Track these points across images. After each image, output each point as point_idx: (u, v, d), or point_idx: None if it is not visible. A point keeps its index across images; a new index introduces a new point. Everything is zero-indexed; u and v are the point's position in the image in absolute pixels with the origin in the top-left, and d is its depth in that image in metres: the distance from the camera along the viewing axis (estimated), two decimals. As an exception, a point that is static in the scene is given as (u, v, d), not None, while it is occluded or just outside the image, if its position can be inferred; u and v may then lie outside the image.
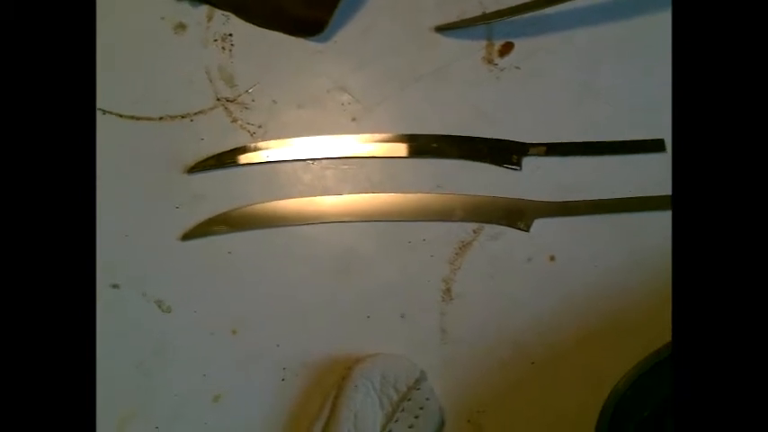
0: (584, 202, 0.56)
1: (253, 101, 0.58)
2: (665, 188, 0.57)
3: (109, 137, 0.56)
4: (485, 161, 0.57)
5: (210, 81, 0.58)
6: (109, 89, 0.57)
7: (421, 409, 0.51)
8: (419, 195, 0.56)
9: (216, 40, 0.59)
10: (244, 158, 0.57)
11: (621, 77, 0.59)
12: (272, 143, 0.57)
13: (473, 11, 0.61)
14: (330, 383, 0.53)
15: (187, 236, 0.55)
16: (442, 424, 0.53)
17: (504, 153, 0.57)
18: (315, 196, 0.56)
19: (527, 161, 0.57)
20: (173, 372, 0.53)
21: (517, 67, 0.59)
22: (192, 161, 0.56)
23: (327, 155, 0.57)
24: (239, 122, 0.57)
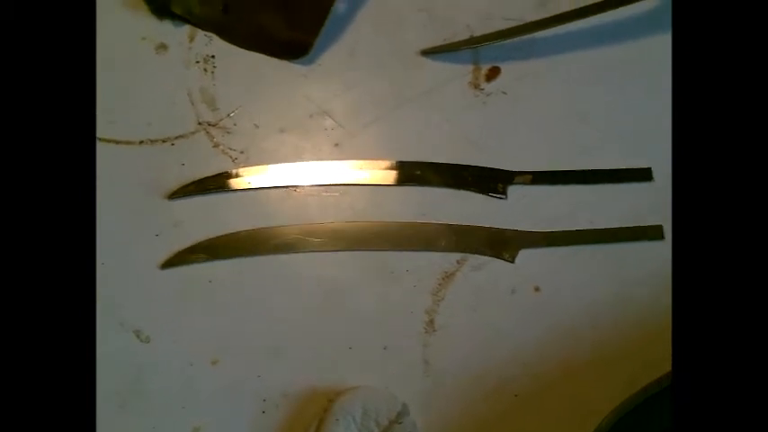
0: (570, 232, 0.56)
1: (235, 125, 0.57)
2: (652, 218, 0.56)
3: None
4: (470, 189, 0.56)
5: (192, 104, 0.57)
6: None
7: (403, 443, 0.51)
8: (402, 224, 0.56)
9: (198, 62, 0.59)
10: (225, 184, 0.56)
11: (609, 104, 0.59)
12: (253, 169, 0.56)
13: (460, 35, 0.60)
14: (311, 416, 0.52)
15: (167, 264, 0.54)
16: (424, 458, 0.52)
17: (490, 181, 0.56)
18: (297, 224, 0.55)
19: (513, 189, 0.56)
20: (151, 403, 0.53)
21: (504, 93, 0.59)
22: (172, 186, 0.55)
23: (310, 182, 0.56)
24: (221, 147, 0.57)
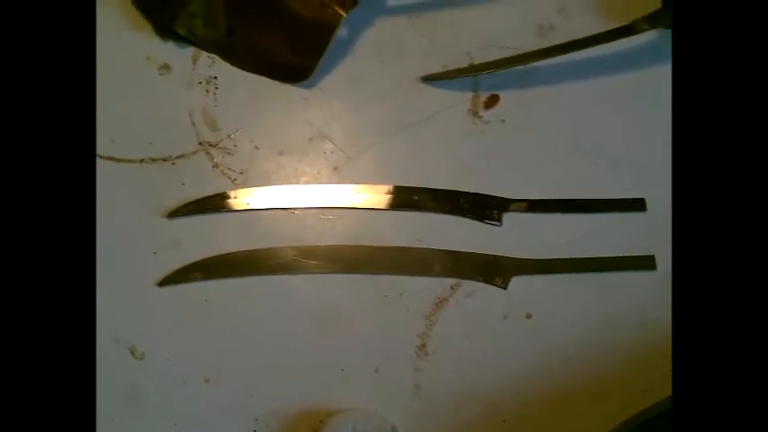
0: (564, 260, 0.56)
1: (235, 146, 0.58)
2: (646, 248, 0.57)
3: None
4: (465, 216, 0.57)
5: (193, 124, 0.58)
6: (91, 129, 0.56)
7: (391, 465, 0.51)
8: (397, 248, 0.56)
9: (200, 83, 0.59)
10: (224, 205, 0.56)
11: (605, 134, 0.59)
12: (252, 190, 0.57)
13: (460, 62, 0.61)
14: (302, 436, 0.53)
15: (164, 282, 0.55)
16: (412, 481, 0.52)
17: (485, 208, 0.57)
18: (294, 246, 0.56)
19: (508, 217, 0.57)
20: (144, 419, 0.53)
21: (502, 120, 0.60)
22: (172, 205, 0.56)
23: (308, 204, 0.57)
24: (221, 168, 0.57)
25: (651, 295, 0.56)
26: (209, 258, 0.55)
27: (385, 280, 0.56)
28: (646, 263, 0.57)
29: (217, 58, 0.60)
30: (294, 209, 0.57)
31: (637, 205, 0.58)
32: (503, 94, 0.60)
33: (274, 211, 0.57)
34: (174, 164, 0.57)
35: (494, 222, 0.57)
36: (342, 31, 0.60)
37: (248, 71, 0.60)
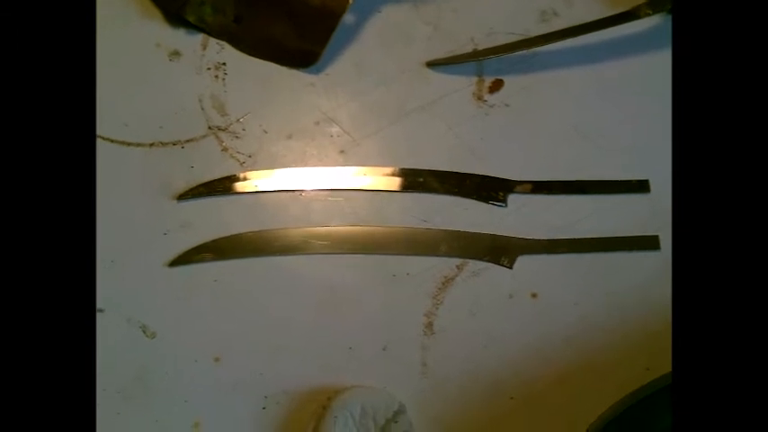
0: (569, 240, 0.57)
1: (243, 130, 0.59)
2: (649, 228, 0.58)
3: (100, 161, 0.56)
4: (471, 197, 0.58)
5: (203, 109, 0.59)
6: (102, 113, 0.57)
7: (399, 441, 0.52)
8: (404, 229, 0.57)
9: (209, 69, 0.60)
10: (233, 187, 0.57)
11: (608, 117, 0.60)
12: (260, 173, 0.58)
13: (464, 47, 0.62)
14: (310, 413, 0.54)
15: (174, 263, 0.56)
16: (419, 457, 0.53)
17: (490, 190, 0.58)
18: (301, 227, 0.57)
19: (513, 198, 0.58)
20: (154, 397, 0.54)
21: (506, 105, 0.60)
22: (181, 188, 0.57)
23: (315, 186, 0.58)
24: (229, 151, 0.58)
25: (655, 275, 0.57)
26: (219, 239, 0.56)
27: (392, 260, 0.57)
28: (650, 243, 0.58)
29: (226, 44, 0.61)
30: (302, 191, 0.58)
31: (640, 186, 0.59)
32: (507, 79, 0.61)
33: (282, 193, 0.58)
34: (183, 147, 0.58)
35: (499, 203, 0.58)
36: (348, 18, 0.61)
37: (256, 57, 0.61)
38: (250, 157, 0.58)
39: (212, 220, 0.57)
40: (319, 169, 0.58)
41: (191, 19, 0.60)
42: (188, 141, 0.58)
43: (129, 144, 0.58)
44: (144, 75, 0.60)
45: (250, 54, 0.61)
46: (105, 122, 0.58)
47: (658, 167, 0.59)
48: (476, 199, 0.58)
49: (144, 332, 0.55)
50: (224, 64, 0.60)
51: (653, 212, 0.58)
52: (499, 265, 0.56)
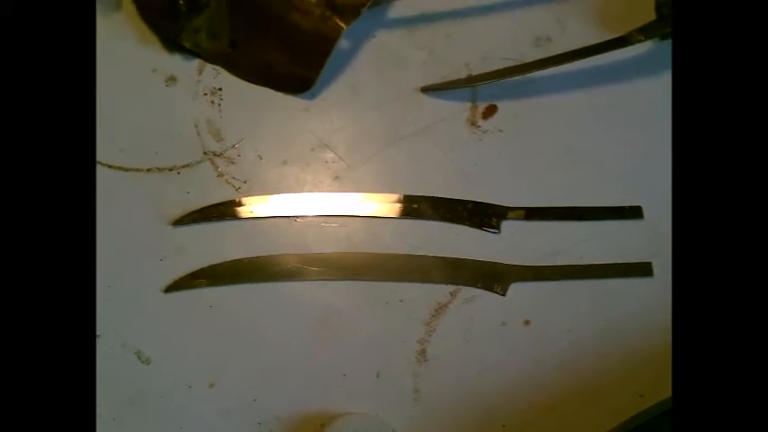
0: (562, 267, 0.57)
1: (239, 155, 0.59)
2: (642, 255, 0.58)
3: (97, 186, 0.56)
4: (464, 223, 0.58)
5: (199, 134, 0.60)
6: (99, 138, 0.57)
7: (391, 469, 0.52)
8: (398, 255, 0.57)
9: (206, 94, 0.61)
10: (228, 213, 0.58)
11: (601, 144, 0.60)
12: (255, 199, 0.58)
13: (459, 72, 0.62)
14: (304, 440, 0.54)
15: (170, 288, 0.56)
16: (412, 484, 0.53)
17: (483, 216, 0.58)
18: (296, 253, 0.57)
19: (506, 224, 0.58)
20: (149, 423, 0.54)
21: (500, 130, 0.61)
22: (177, 214, 0.57)
23: (310, 212, 0.58)
24: (225, 177, 0.59)
25: (648, 302, 0.57)
26: (214, 265, 0.57)
27: (385, 287, 0.57)
28: (643, 270, 0.58)
29: (221, 69, 0.62)
30: (296, 217, 0.58)
31: (633, 213, 0.59)
32: (501, 105, 0.61)
33: (277, 219, 0.58)
34: (179, 173, 0.59)
35: (492, 230, 0.58)
36: (342, 43, 0.61)
37: (252, 82, 0.62)
38: (245, 182, 0.59)
39: (208, 245, 0.57)
40: (314, 195, 0.59)
41: (187, 44, 0.61)
42: (184, 167, 0.59)
43: (125, 169, 0.59)
44: (140, 100, 0.60)
45: (245, 79, 0.61)
46: (102, 147, 0.58)
47: (651, 194, 0.59)
48: (469, 225, 0.58)
49: (139, 357, 0.55)
50: (220, 89, 0.61)
51: (646, 239, 0.58)
52: (492, 291, 0.57)
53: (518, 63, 0.62)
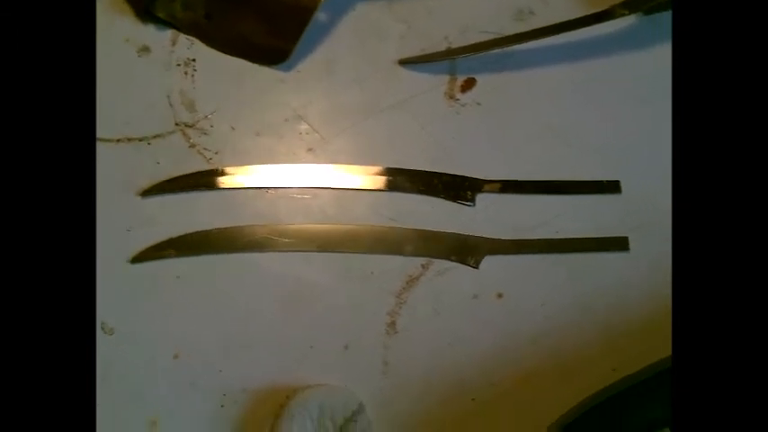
0: (536, 241, 0.56)
1: (211, 126, 0.58)
2: (620, 230, 0.57)
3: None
4: (439, 196, 0.57)
5: (171, 105, 0.59)
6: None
7: (357, 441, 0.51)
8: (370, 227, 0.56)
9: (179, 65, 0.60)
10: (198, 184, 0.57)
11: (580, 118, 0.59)
12: (227, 170, 0.57)
13: (438, 46, 0.61)
14: (269, 412, 0.53)
15: (136, 259, 0.55)
16: (379, 458, 0.52)
17: (459, 189, 0.57)
18: (266, 224, 0.56)
19: (482, 198, 0.57)
20: (111, 394, 0.53)
21: (478, 103, 0.60)
22: (147, 184, 0.56)
23: (282, 184, 0.57)
24: (197, 148, 0.58)
25: (624, 277, 0.56)
26: (182, 236, 0.56)
27: (356, 258, 0.56)
28: (619, 244, 0.57)
29: (195, 40, 0.61)
30: (268, 188, 0.57)
31: (612, 187, 0.58)
32: (480, 78, 0.60)
33: (249, 190, 0.58)
34: (149, 144, 0.58)
35: (467, 203, 0.57)
36: (320, 15, 0.61)
37: (226, 53, 0.61)
38: (217, 153, 0.58)
39: (177, 216, 0.56)
40: (287, 166, 0.58)
41: (161, 15, 0.60)
42: (155, 137, 0.58)
43: (96, 140, 0.57)
44: (112, 70, 0.60)
45: (220, 50, 0.61)
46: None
47: (630, 169, 0.58)
48: (444, 198, 0.57)
49: (102, 328, 0.54)
50: (194, 60, 0.60)
51: (624, 213, 0.57)
52: (465, 264, 0.55)
53: (498, 36, 0.60)
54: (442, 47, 0.62)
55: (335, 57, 0.61)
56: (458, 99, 0.60)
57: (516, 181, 0.58)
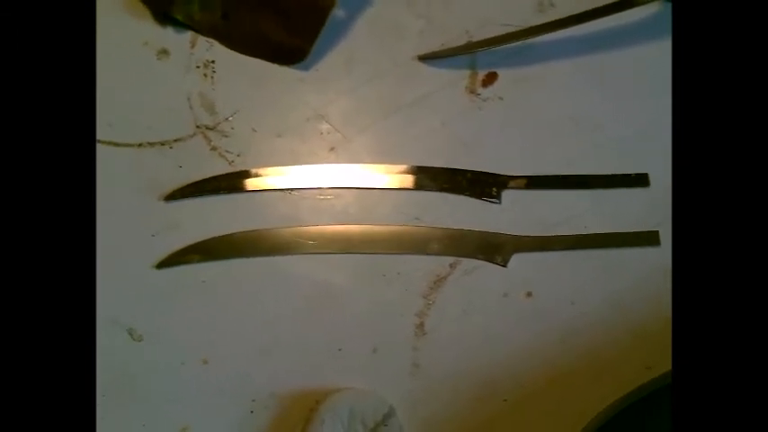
0: (564, 237, 0.56)
1: (232, 128, 0.58)
2: (648, 224, 0.56)
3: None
4: (463, 194, 0.56)
5: (191, 108, 0.58)
6: (90, 114, 0.56)
7: (389, 445, 0.51)
8: (395, 228, 0.56)
9: (198, 67, 0.59)
10: (221, 187, 0.56)
11: (605, 110, 0.58)
12: (249, 172, 0.57)
13: (458, 40, 0.60)
14: (299, 417, 0.53)
15: (162, 264, 0.55)
16: (410, 460, 0.52)
17: (484, 186, 0.56)
18: (291, 227, 0.55)
19: (507, 194, 0.56)
20: (141, 401, 0.53)
21: (500, 98, 0.59)
22: (169, 188, 0.56)
23: (305, 185, 0.57)
24: (218, 150, 0.57)
25: (655, 271, 0.55)
26: (207, 240, 0.55)
27: (383, 259, 0.55)
28: (649, 239, 0.56)
29: (214, 42, 0.60)
30: (291, 190, 0.57)
31: (639, 180, 0.57)
32: (501, 72, 0.60)
33: (272, 192, 0.57)
34: (171, 147, 0.57)
35: (493, 200, 0.56)
36: (338, 12, 0.60)
37: (245, 54, 0.60)
38: (239, 156, 0.57)
39: (201, 220, 0.56)
40: (309, 167, 0.57)
41: (178, 16, 0.59)
42: (176, 141, 0.57)
43: (117, 144, 0.57)
44: (132, 74, 0.59)
45: (238, 51, 0.60)
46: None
47: (658, 160, 0.57)
48: (469, 195, 0.56)
49: (131, 335, 0.54)
50: (213, 62, 0.60)
51: (652, 207, 0.56)
52: (493, 263, 0.55)
53: (519, 29, 0.59)
54: (462, 41, 0.61)
55: (354, 54, 0.60)
56: (479, 94, 0.59)
57: (542, 176, 0.57)
